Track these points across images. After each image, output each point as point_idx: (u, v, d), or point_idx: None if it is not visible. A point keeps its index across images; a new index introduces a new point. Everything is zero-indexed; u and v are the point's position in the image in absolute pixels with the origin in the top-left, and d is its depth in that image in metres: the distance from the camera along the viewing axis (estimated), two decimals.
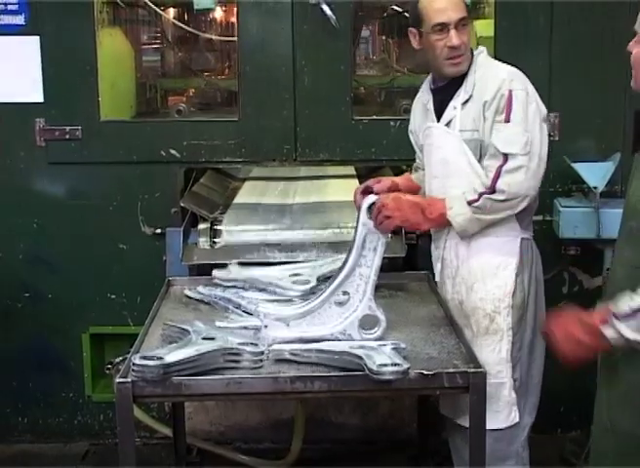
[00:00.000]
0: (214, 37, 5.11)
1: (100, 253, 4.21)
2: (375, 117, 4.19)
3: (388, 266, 3.76)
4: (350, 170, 4.59)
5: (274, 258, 3.76)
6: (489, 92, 3.01)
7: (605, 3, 3.98)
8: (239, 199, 4.25)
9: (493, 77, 3.04)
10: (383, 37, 5.82)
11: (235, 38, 4.19)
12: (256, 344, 2.72)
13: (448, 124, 3.12)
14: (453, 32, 3.02)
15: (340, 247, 3.73)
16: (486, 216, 3.01)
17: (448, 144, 3.11)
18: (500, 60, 3.24)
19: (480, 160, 3.05)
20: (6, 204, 4.19)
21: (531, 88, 3.07)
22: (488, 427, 2.79)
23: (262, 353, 2.70)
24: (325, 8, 3.91)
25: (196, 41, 5.26)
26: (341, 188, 4.39)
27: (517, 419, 3.12)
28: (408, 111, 3.55)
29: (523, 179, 2.96)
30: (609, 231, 3.82)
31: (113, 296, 4.25)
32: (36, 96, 4.07)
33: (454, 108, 3.10)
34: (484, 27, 4.29)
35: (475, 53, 3.14)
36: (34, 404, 4.36)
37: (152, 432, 4.26)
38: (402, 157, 4.02)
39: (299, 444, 3.97)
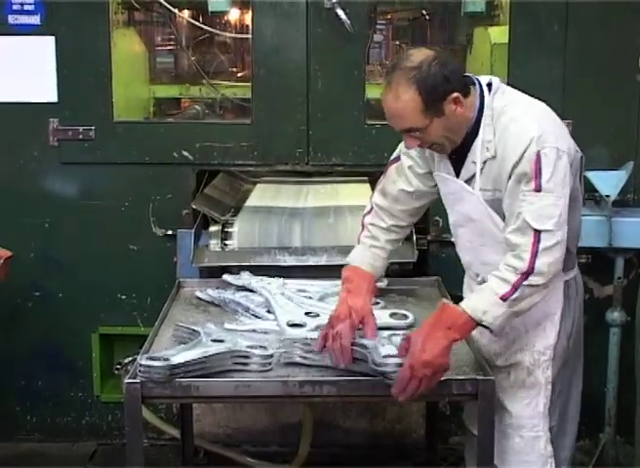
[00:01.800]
0: (228, 35, 5.12)
1: (111, 253, 4.22)
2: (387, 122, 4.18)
3: (399, 272, 3.76)
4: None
5: (284, 262, 3.76)
6: (515, 152, 2.61)
7: (620, 10, 3.97)
8: (251, 202, 4.25)
9: (519, 134, 2.62)
10: (397, 42, 5.83)
11: (250, 39, 4.19)
12: (264, 347, 2.73)
13: (468, 180, 2.79)
14: (405, 136, 2.74)
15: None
16: (523, 306, 2.60)
17: (469, 203, 2.81)
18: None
19: (504, 219, 2.73)
20: (18, 203, 4.20)
21: (562, 137, 2.69)
22: None
23: (271, 356, 2.71)
24: (339, 12, 3.91)
25: (210, 43, 5.27)
26: (353, 192, 4.38)
27: None
28: None
29: (560, 256, 2.60)
30: (621, 240, 3.82)
31: (123, 297, 4.26)
32: (50, 96, 4.08)
33: (472, 163, 2.75)
34: (498, 34, 4.29)
35: (487, 96, 2.72)
36: (43, 403, 4.37)
37: (160, 433, 4.26)
38: None
39: (306, 447, 3.97)
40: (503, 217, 2.73)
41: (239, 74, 5.30)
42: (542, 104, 2.78)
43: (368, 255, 3.06)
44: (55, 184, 4.19)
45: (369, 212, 3.14)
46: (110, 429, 4.40)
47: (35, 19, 4.05)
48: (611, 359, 3.99)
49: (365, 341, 2.67)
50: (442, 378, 2.58)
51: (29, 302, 4.27)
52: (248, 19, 4.63)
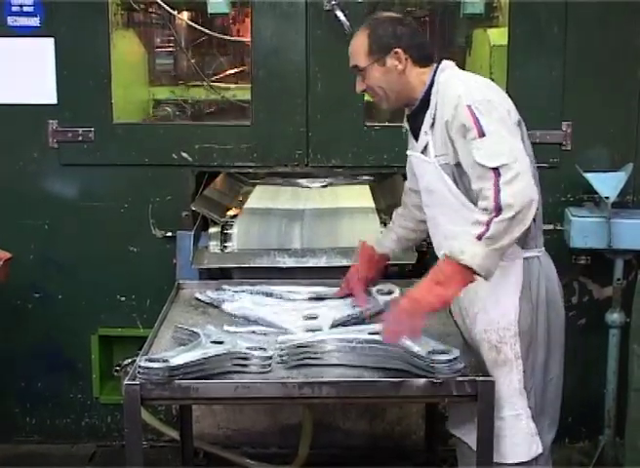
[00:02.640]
0: (227, 38, 5.12)
1: (111, 255, 4.22)
2: (387, 124, 4.19)
3: (398, 273, 3.76)
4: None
5: (284, 264, 3.76)
6: (447, 110, 2.82)
7: (619, 11, 3.97)
8: (250, 203, 4.25)
9: (450, 95, 2.83)
10: None
11: (249, 41, 4.19)
12: (264, 349, 2.73)
13: (424, 151, 2.96)
14: (357, 78, 3.03)
15: (351, 253, 3.73)
16: (502, 243, 2.65)
17: (427, 173, 2.97)
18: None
19: (457, 185, 2.87)
20: (18, 205, 4.20)
21: (495, 95, 2.85)
22: (509, 461, 2.83)
23: (271, 358, 2.71)
24: (339, 14, 3.91)
25: (209, 45, 5.27)
26: (353, 194, 4.39)
27: (540, 450, 2.95)
28: None
29: (525, 185, 2.66)
30: (620, 241, 3.82)
31: (123, 299, 4.26)
32: (50, 97, 4.09)
33: (425, 134, 2.94)
34: (498, 36, 4.29)
35: (438, 71, 2.95)
36: (42, 404, 4.37)
37: (159, 435, 4.26)
38: None
39: (306, 449, 3.97)
40: (456, 184, 2.87)
41: (239, 76, 5.30)
42: (482, 78, 2.99)
43: (381, 235, 3.48)
44: (54, 186, 4.19)
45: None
46: (110, 430, 4.40)
47: (34, 21, 4.05)
48: (610, 360, 3.99)
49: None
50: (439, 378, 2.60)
51: (29, 304, 4.27)
52: (247, 20, 4.63)
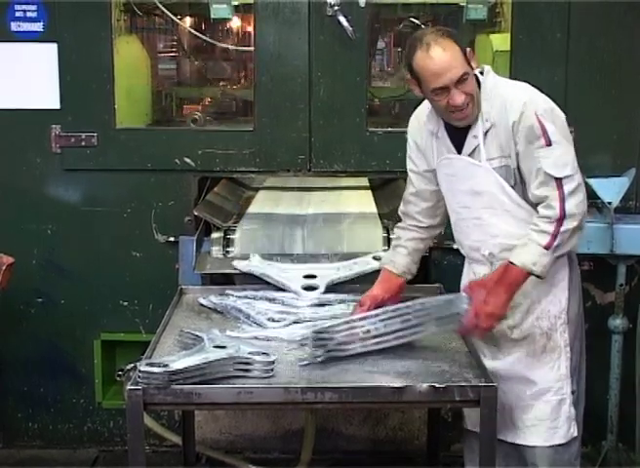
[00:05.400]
0: (230, 47, 5.13)
1: (113, 259, 4.22)
2: (389, 129, 4.19)
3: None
4: (364, 181, 4.60)
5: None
6: (513, 114, 2.89)
7: (622, 17, 3.97)
8: (253, 208, 4.25)
9: (512, 100, 2.91)
10: (399, 49, 5.84)
11: (251, 48, 4.20)
12: (267, 354, 2.73)
13: (471, 154, 3.00)
14: (454, 91, 2.86)
15: (354, 258, 3.73)
16: (565, 249, 2.92)
17: (476, 176, 3.00)
18: (511, 76, 3.18)
19: (513, 186, 2.97)
20: (21, 209, 4.21)
21: (548, 99, 2.99)
22: (548, 443, 2.99)
23: (273, 363, 2.71)
24: (341, 19, 3.92)
25: (212, 50, 5.29)
26: (355, 199, 4.39)
27: (576, 433, 3.12)
28: None
29: (583, 196, 2.90)
30: (623, 247, 3.82)
31: (125, 303, 4.26)
32: (53, 102, 4.09)
33: (474, 137, 2.98)
34: (500, 41, 4.29)
35: (481, 78, 2.98)
36: (45, 409, 4.37)
37: (162, 440, 4.25)
38: None
39: (308, 454, 3.96)
40: (512, 186, 2.96)
41: (242, 81, 5.32)
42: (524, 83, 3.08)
43: (389, 254, 3.37)
44: (57, 191, 4.19)
45: (399, 220, 3.40)
46: (112, 436, 4.39)
47: (38, 27, 4.06)
48: (613, 366, 3.98)
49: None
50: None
51: (32, 309, 4.27)
52: (250, 26, 4.64)
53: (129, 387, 2.60)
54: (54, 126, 4.10)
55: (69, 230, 4.22)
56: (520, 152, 2.91)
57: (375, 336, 2.88)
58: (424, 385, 2.61)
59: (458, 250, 3.28)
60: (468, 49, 2.92)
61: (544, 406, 3.05)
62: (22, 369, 4.31)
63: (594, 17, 3.98)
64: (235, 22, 5.16)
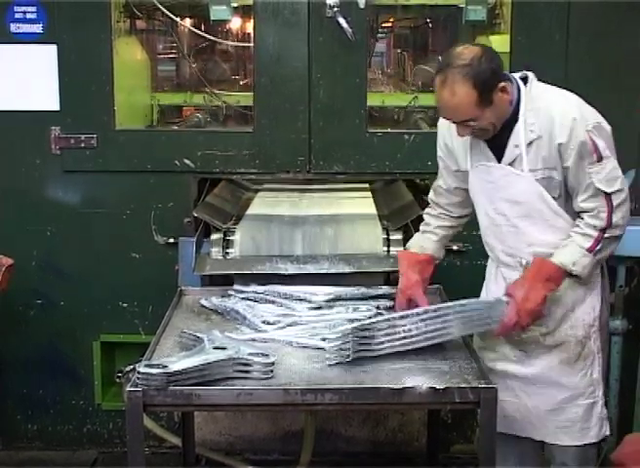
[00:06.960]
0: (230, 43, 5.13)
1: (113, 261, 4.22)
2: (389, 130, 4.19)
3: None
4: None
5: (286, 270, 3.76)
6: (562, 133, 2.89)
7: (622, 18, 3.98)
8: (252, 210, 4.25)
9: (562, 115, 2.91)
10: (398, 50, 5.84)
11: (251, 47, 4.20)
12: (266, 355, 2.72)
13: (511, 163, 2.99)
14: (458, 126, 2.92)
15: (352, 260, 3.73)
16: (605, 255, 3.00)
17: (517, 185, 3.00)
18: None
19: (557, 198, 2.98)
20: (20, 211, 4.21)
21: (595, 112, 3.00)
22: (581, 443, 3.07)
23: (272, 364, 2.70)
24: (341, 21, 3.92)
25: (212, 52, 5.28)
26: (354, 201, 4.39)
27: (608, 432, 3.17)
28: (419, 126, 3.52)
29: (628, 208, 2.98)
30: (622, 248, 3.79)
31: (125, 305, 4.26)
32: (52, 104, 4.09)
33: (515, 146, 2.97)
34: (500, 42, 4.29)
35: (525, 87, 2.97)
36: (44, 411, 4.37)
37: (161, 441, 4.26)
38: (416, 170, 4.05)
39: (308, 456, 3.96)
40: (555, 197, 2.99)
41: (241, 82, 5.31)
42: (571, 93, 3.07)
43: (418, 239, 3.36)
44: (57, 192, 4.20)
45: (427, 206, 3.42)
46: (112, 437, 4.40)
47: (37, 28, 4.06)
48: (613, 367, 3.98)
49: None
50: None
51: (31, 310, 4.27)
52: (250, 27, 4.64)
53: (128, 388, 2.60)
54: (53, 127, 4.11)
55: (69, 231, 4.22)
56: (570, 167, 2.93)
57: (413, 336, 2.86)
58: (424, 386, 2.60)
59: (458, 250, 3.29)
60: (502, 84, 2.87)
61: (577, 409, 3.07)
62: (22, 370, 4.31)
63: (594, 17, 3.99)
64: (235, 24, 5.15)
